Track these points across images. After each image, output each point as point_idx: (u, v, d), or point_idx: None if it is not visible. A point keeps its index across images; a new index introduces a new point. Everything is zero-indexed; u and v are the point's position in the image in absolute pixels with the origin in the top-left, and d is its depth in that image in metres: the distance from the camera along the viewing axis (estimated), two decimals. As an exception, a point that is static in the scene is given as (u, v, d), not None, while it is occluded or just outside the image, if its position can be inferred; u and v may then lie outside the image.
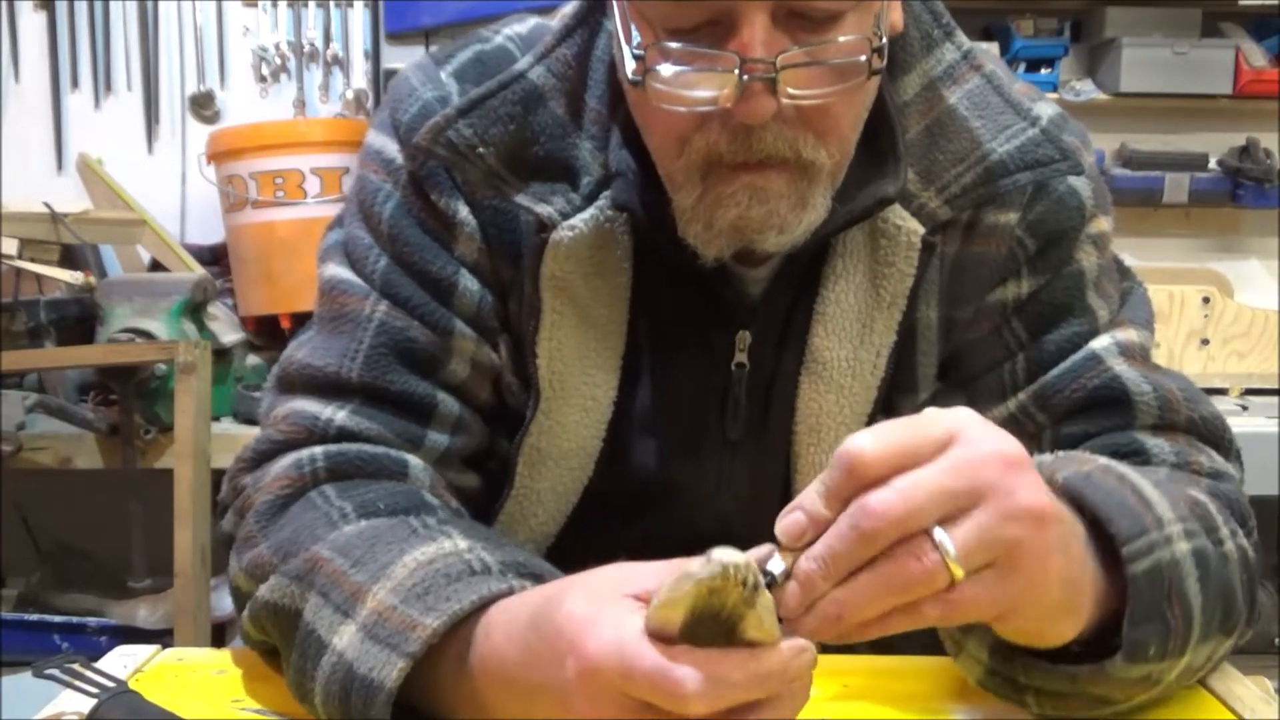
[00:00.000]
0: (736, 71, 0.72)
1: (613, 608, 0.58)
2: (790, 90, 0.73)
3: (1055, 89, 2.74)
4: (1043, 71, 2.75)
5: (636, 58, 0.76)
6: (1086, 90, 2.78)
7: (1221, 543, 0.75)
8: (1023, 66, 2.70)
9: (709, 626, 0.55)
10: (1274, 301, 2.85)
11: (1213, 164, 2.84)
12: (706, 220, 0.79)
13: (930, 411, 0.61)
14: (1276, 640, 2.67)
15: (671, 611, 0.55)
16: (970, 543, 0.57)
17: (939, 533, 0.57)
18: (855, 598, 0.58)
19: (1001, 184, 0.85)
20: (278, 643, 0.77)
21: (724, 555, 0.54)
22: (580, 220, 0.85)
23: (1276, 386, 2.58)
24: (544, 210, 0.85)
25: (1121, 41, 2.73)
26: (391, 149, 0.90)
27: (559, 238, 0.85)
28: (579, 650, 0.58)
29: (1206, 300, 2.63)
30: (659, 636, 0.56)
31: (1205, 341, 2.62)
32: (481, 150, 0.85)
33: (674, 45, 0.75)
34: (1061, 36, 2.77)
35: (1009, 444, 0.60)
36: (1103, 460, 0.74)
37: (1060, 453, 0.78)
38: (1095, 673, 0.67)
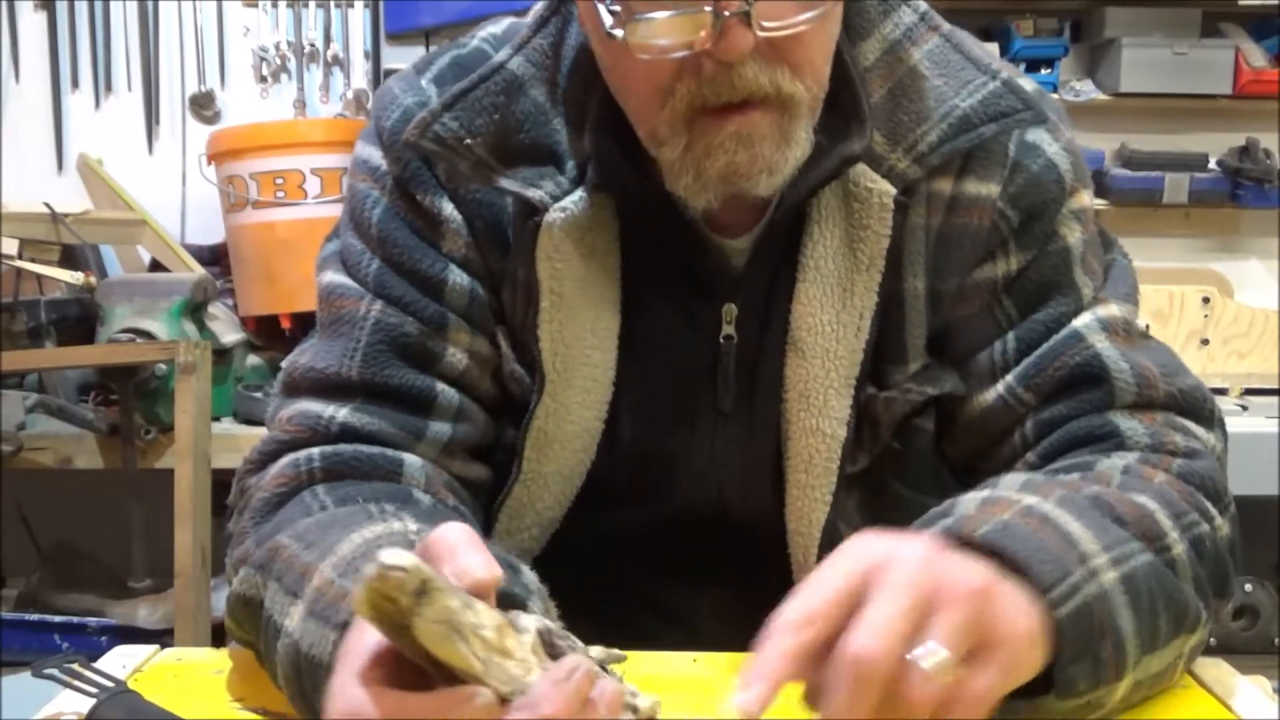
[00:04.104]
0: (710, 10, 0.74)
1: None
2: (765, 22, 0.75)
3: (1055, 89, 2.74)
4: (1043, 71, 2.75)
5: (613, 12, 0.77)
6: (1086, 90, 2.79)
7: (1168, 549, 0.75)
8: (1023, 66, 2.70)
9: (414, 642, 0.53)
10: (1274, 301, 2.85)
11: (1213, 164, 2.84)
12: (695, 171, 0.81)
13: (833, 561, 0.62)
14: (1276, 640, 2.68)
15: (362, 610, 0.53)
16: (949, 639, 0.58)
17: (919, 650, 0.57)
18: None
19: (967, 138, 0.86)
20: (250, 635, 0.78)
21: (388, 557, 0.51)
22: (570, 202, 0.87)
23: (1276, 386, 2.58)
24: (535, 194, 0.87)
25: (1121, 41, 2.73)
26: (377, 157, 0.92)
27: (552, 220, 0.86)
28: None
29: (1206, 300, 2.63)
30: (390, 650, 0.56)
31: (1205, 341, 2.63)
32: (469, 141, 0.87)
33: None
34: (1061, 36, 2.77)
35: (915, 544, 0.62)
36: (1027, 500, 0.73)
37: (987, 492, 0.78)
38: (1030, 707, 0.68)
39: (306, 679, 0.67)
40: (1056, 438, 0.88)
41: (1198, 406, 0.90)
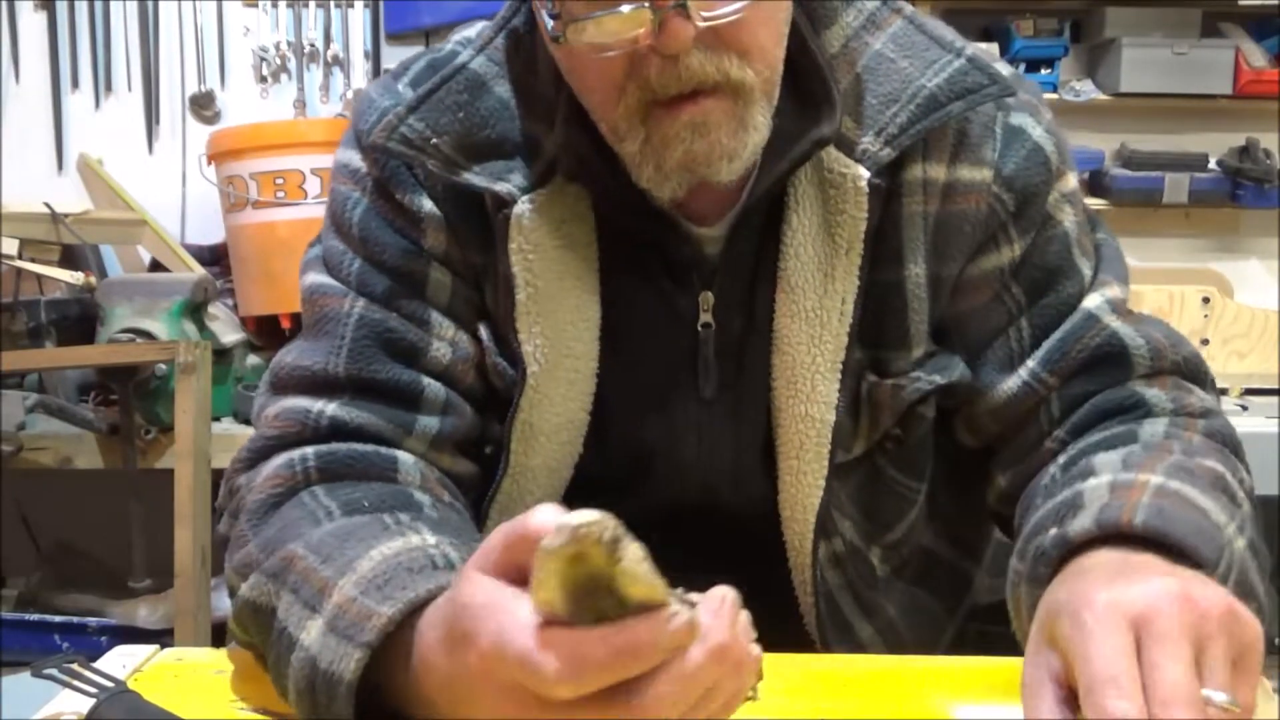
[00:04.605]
0: (648, 6, 0.75)
1: (511, 591, 0.57)
2: (703, 13, 0.76)
3: (1055, 89, 2.74)
4: (1043, 71, 2.75)
5: (554, 16, 0.79)
6: (1086, 90, 2.78)
7: (1241, 505, 0.80)
8: (1023, 66, 2.70)
9: (600, 600, 0.52)
10: (1274, 301, 2.85)
11: (1213, 164, 2.84)
12: (656, 162, 0.82)
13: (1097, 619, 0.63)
14: (1277, 640, 2.67)
15: (546, 593, 0.52)
16: (1225, 678, 0.60)
17: (1209, 693, 0.59)
18: None
19: (936, 117, 0.87)
20: (258, 641, 0.78)
21: (572, 518, 0.50)
22: (540, 194, 0.88)
23: (1276, 386, 2.58)
24: (503, 188, 0.88)
25: (1121, 41, 2.73)
26: (356, 159, 0.94)
27: (520, 212, 0.88)
28: (473, 639, 0.57)
29: (1206, 300, 2.63)
30: (553, 623, 0.53)
31: (1205, 341, 2.62)
32: (435, 141, 0.88)
33: None
34: (1061, 36, 2.77)
35: (1160, 586, 0.63)
36: (1155, 480, 0.77)
37: (1109, 477, 0.80)
38: None
39: (321, 694, 0.67)
40: (1085, 412, 0.91)
41: (1200, 373, 0.94)
